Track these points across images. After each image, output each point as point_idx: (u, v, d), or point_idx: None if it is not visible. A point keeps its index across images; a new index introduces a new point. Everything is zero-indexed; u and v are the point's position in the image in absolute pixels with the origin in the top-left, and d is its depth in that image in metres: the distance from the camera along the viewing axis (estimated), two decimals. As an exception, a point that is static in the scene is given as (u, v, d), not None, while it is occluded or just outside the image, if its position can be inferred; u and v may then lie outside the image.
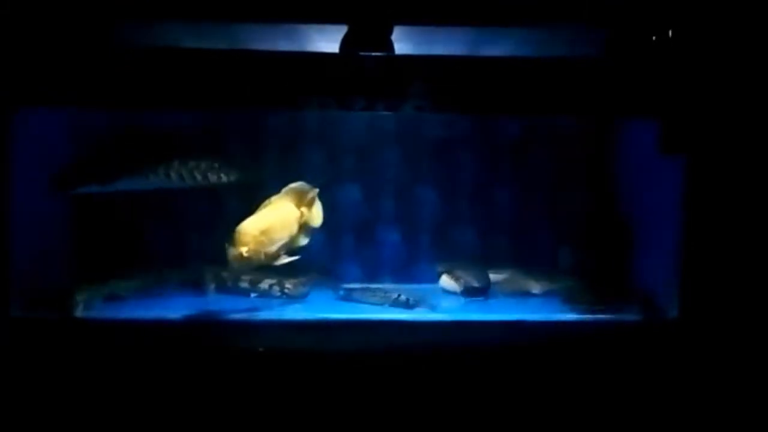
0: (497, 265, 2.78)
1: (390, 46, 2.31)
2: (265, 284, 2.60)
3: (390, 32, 2.30)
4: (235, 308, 2.42)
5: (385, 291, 2.57)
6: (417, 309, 2.46)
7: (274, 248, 2.32)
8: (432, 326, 2.33)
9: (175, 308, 2.37)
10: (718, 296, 2.20)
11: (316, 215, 2.52)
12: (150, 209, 2.78)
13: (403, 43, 2.31)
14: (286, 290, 2.57)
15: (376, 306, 2.51)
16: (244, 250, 2.24)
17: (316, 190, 2.51)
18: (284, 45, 2.35)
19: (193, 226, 2.83)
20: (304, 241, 2.47)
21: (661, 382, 2.16)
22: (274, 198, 2.41)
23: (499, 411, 2.15)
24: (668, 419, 2.15)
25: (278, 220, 2.37)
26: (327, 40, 2.32)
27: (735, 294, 2.20)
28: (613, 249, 2.75)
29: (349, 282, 2.75)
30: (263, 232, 2.30)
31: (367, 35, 2.29)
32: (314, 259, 2.74)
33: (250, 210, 2.38)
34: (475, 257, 2.81)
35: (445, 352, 2.21)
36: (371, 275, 2.85)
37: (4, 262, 2.19)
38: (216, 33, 2.31)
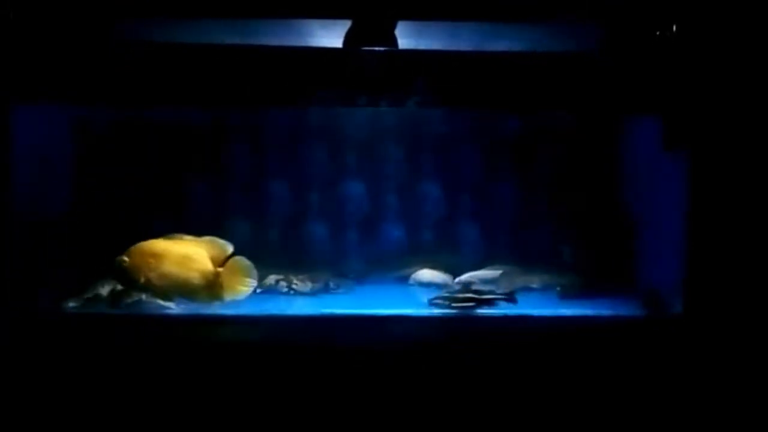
0: (499, 260, 2.78)
1: (393, 41, 2.30)
2: (271, 280, 2.60)
3: (393, 27, 2.29)
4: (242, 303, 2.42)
5: (315, 280, 2.63)
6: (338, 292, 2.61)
7: (155, 276, 2.24)
8: (433, 321, 2.33)
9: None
10: (722, 293, 2.19)
11: (234, 286, 2.30)
12: (152, 209, 2.78)
13: (405, 38, 2.31)
14: (293, 286, 2.56)
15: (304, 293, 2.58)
16: (124, 259, 2.23)
17: (230, 250, 2.32)
18: (287, 40, 2.34)
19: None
20: (215, 300, 2.29)
21: (666, 378, 2.16)
22: (188, 237, 2.32)
23: (501, 405, 2.15)
24: (672, 415, 2.14)
25: (177, 257, 2.27)
26: (330, 36, 2.31)
27: (739, 290, 2.19)
28: (617, 245, 2.74)
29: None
30: (154, 257, 2.24)
31: (371, 30, 2.28)
32: (320, 255, 2.78)
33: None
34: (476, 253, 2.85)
35: (449, 346, 2.21)
36: (375, 270, 2.84)
37: (4, 258, 2.18)
38: (218, 28, 2.30)
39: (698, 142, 2.20)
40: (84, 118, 2.69)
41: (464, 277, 2.72)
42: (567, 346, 2.21)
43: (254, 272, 2.30)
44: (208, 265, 2.28)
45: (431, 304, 2.37)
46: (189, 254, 2.27)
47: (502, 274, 2.71)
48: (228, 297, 2.28)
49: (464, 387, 2.16)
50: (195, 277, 2.26)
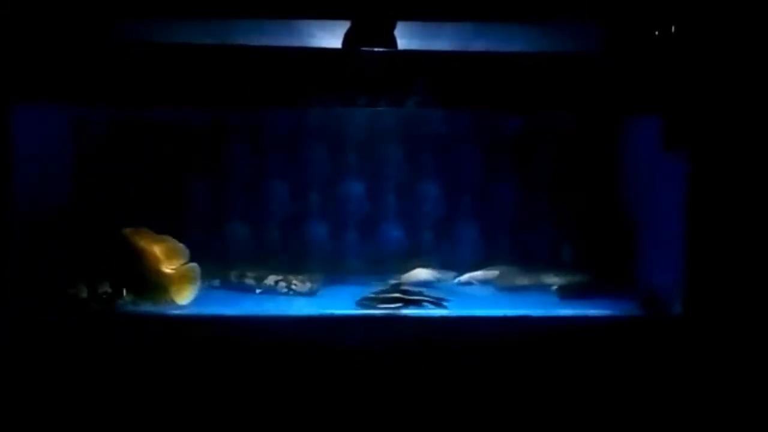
0: (499, 260, 2.78)
1: (393, 41, 2.30)
2: (270, 281, 2.60)
3: (392, 28, 2.29)
4: (241, 304, 2.43)
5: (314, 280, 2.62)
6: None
7: (112, 265, 2.29)
8: (435, 321, 2.32)
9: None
10: (721, 293, 2.19)
11: (179, 292, 2.30)
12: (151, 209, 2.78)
13: (405, 38, 2.31)
14: (293, 287, 2.56)
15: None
16: (102, 242, 2.31)
17: (190, 266, 2.35)
18: (286, 41, 2.35)
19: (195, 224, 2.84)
20: (156, 301, 2.29)
21: (665, 378, 2.16)
22: (150, 233, 2.34)
23: (501, 405, 2.15)
24: (672, 415, 2.14)
25: (131, 250, 2.29)
26: (329, 36, 2.31)
27: (739, 291, 2.19)
28: (617, 245, 2.74)
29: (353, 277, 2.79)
30: (115, 246, 2.28)
31: (370, 31, 2.29)
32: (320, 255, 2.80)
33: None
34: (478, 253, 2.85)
35: (450, 346, 2.21)
36: (375, 271, 2.82)
37: (5, 259, 2.19)
38: (218, 29, 2.31)
39: (698, 142, 2.20)
40: (84, 118, 2.70)
41: (464, 277, 2.72)
42: (566, 347, 2.21)
43: (199, 282, 2.32)
44: (157, 265, 2.27)
45: (358, 304, 2.36)
46: (141, 250, 2.28)
47: (500, 274, 2.71)
48: (170, 301, 2.27)
49: (463, 387, 2.16)
50: (142, 275, 2.26)
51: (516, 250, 2.86)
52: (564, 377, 2.17)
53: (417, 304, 2.37)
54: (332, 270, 2.79)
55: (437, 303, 2.38)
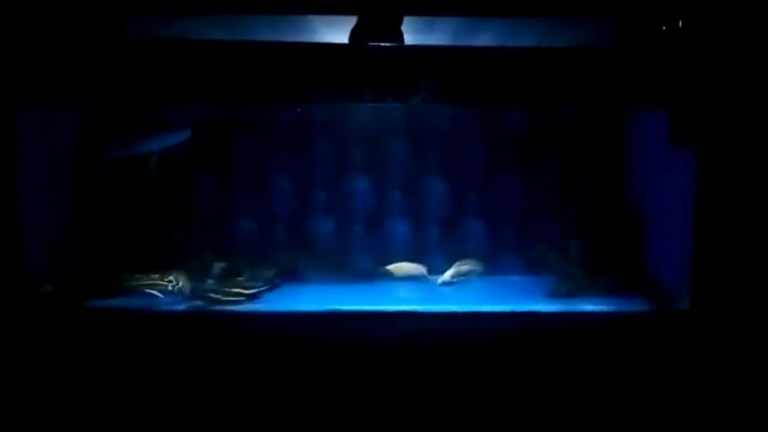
0: (503, 255, 2.79)
1: (399, 36, 2.29)
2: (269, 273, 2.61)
3: (399, 23, 2.28)
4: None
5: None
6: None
7: None
8: (435, 317, 2.32)
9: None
10: (729, 287, 2.20)
11: None
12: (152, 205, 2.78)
13: (412, 34, 2.30)
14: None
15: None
16: None
17: None
18: (292, 36, 2.34)
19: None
20: None
21: (673, 374, 2.17)
22: None
23: (507, 402, 2.16)
24: (679, 411, 2.15)
25: None
26: (335, 32, 2.30)
27: (747, 285, 2.19)
28: (623, 239, 2.74)
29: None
30: None
31: (376, 26, 2.28)
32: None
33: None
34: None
35: (453, 342, 2.22)
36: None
37: (12, 251, 2.20)
38: (224, 25, 2.30)
39: (705, 136, 2.20)
40: (90, 116, 2.69)
41: (446, 275, 2.68)
42: (572, 342, 2.22)
43: None
44: None
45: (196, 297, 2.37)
46: None
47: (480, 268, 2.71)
48: None
49: (467, 384, 2.17)
50: None
51: (521, 244, 2.85)
52: (569, 373, 2.18)
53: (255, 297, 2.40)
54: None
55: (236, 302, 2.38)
